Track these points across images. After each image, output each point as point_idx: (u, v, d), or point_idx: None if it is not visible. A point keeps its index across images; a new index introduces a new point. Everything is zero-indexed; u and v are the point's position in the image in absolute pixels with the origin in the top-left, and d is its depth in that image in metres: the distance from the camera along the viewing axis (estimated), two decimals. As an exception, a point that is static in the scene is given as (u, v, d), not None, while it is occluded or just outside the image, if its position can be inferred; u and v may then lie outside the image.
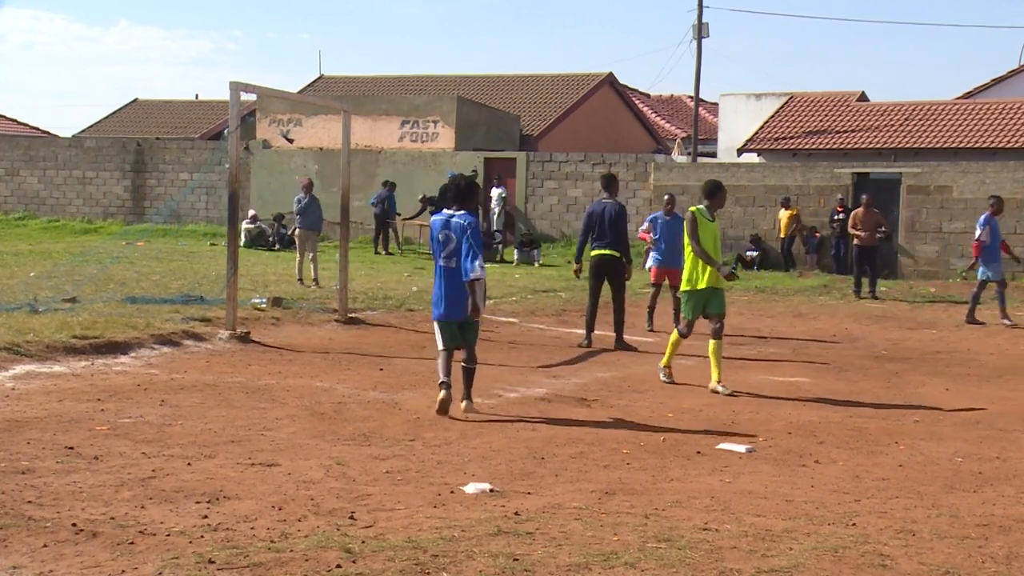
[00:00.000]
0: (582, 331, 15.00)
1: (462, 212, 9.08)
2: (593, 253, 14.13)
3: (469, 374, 9.29)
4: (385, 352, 12.66)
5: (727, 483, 7.21)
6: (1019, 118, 30.32)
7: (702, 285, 10.95)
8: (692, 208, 11.12)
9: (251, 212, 29.78)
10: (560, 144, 33.92)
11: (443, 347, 9.24)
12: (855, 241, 21.86)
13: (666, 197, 17.05)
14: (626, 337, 14.12)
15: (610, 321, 14.23)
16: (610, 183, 14.45)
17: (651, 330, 16.08)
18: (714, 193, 11.14)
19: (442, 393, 9.03)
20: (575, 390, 10.73)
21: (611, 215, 14.02)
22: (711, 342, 11.01)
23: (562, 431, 8.72)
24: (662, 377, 11.39)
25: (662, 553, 5.56)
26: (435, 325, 9.30)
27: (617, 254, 14.04)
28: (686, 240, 11.01)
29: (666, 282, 16.21)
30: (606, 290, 14.22)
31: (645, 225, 16.85)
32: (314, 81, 41.95)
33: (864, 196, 22.44)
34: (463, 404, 9.17)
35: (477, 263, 8.90)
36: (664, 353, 11.52)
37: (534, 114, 36.70)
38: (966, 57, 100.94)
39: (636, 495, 6.80)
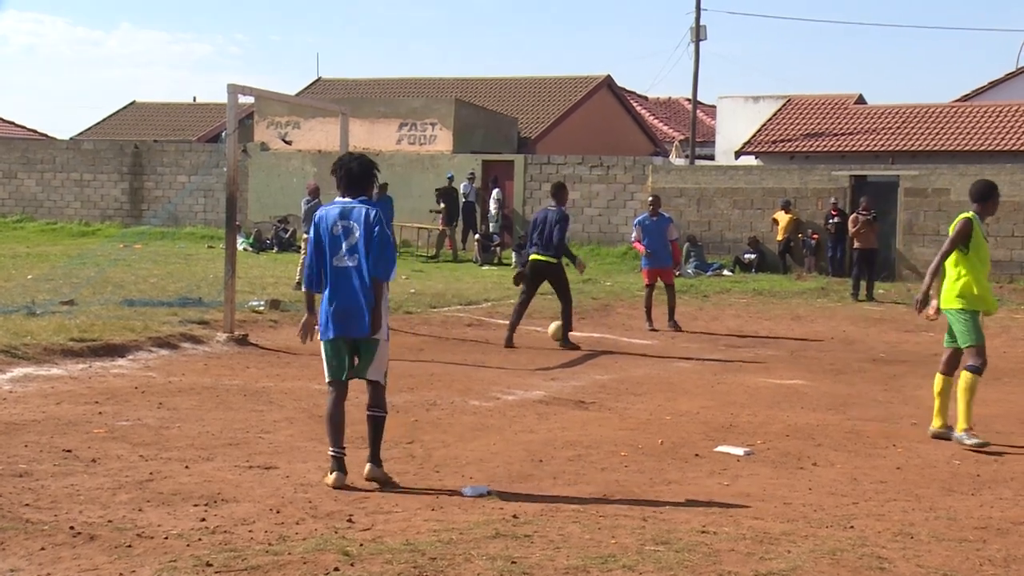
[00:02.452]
0: (582, 334, 15.04)
1: (362, 199, 7.13)
2: (531, 258, 14.41)
3: (376, 425, 7.02)
4: (383, 355, 12.64)
5: (725, 486, 7.21)
6: (1016, 121, 30.33)
7: (991, 302, 9.21)
8: (967, 214, 9.27)
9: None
10: (558, 147, 33.91)
11: (330, 378, 7.06)
12: (855, 244, 21.90)
13: (650, 199, 17.38)
14: (572, 335, 14.30)
15: (605, 323, 14.24)
16: (557, 191, 14.59)
17: (652, 329, 16.15)
18: (987, 196, 9.36)
19: (332, 476, 6.87)
20: (573, 392, 10.73)
21: (551, 222, 14.19)
22: (965, 375, 8.78)
23: (559, 433, 8.72)
24: (968, 441, 8.55)
25: (660, 556, 5.56)
26: (322, 349, 7.10)
27: (554, 260, 14.22)
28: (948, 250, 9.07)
29: (659, 282, 16.62)
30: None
31: (635, 232, 16.91)
32: (312, 83, 41.93)
33: (863, 199, 22.47)
34: (367, 467, 6.97)
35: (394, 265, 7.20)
36: (960, 414, 8.71)
37: (532, 117, 36.69)
38: (964, 60, 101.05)
39: (634, 498, 6.80)
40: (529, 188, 29.82)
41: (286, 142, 32.04)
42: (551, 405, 9.99)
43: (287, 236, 29.68)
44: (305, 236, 19.47)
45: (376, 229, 6.96)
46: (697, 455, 8.12)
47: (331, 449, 6.94)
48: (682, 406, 10.15)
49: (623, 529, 6.04)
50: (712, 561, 5.52)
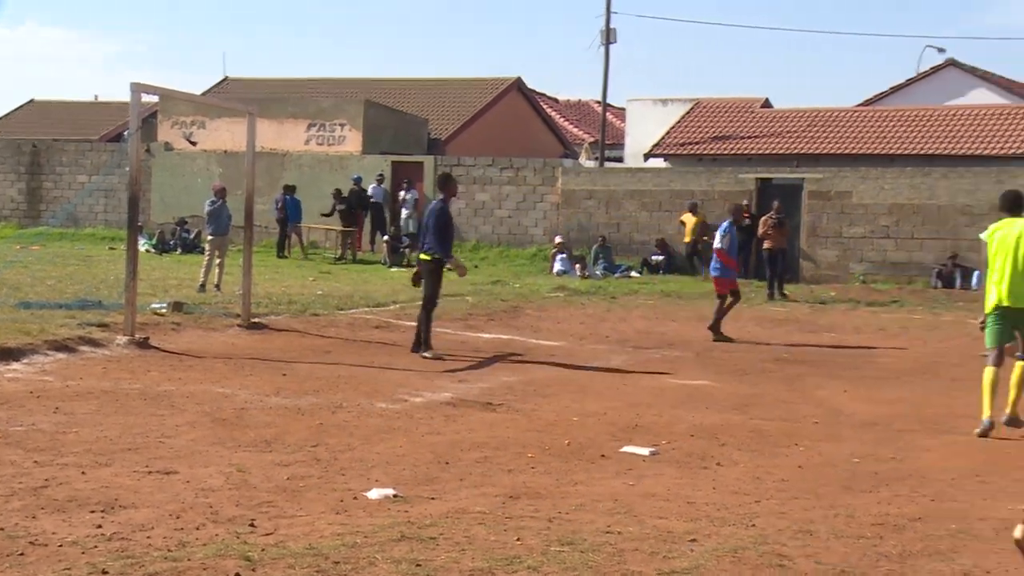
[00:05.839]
0: (489, 335, 15.03)
1: None
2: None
3: None
4: (289, 357, 12.51)
5: (630, 486, 7.25)
6: (917, 125, 31.00)
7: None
8: None
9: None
10: (469, 148, 33.90)
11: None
12: (765, 245, 22.25)
13: (744, 203, 16.50)
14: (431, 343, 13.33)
15: (514, 324, 14.25)
16: (441, 183, 13.84)
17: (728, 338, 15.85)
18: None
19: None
20: (481, 394, 10.71)
21: (430, 216, 13.46)
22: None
23: (467, 435, 8.69)
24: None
25: (565, 556, 5.57)
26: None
27: (431, 257, 13.35)
28: None
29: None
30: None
31: (726, 242, 15.97)
32: (219, 83, 41.35)
33: (775, 202, 22.85)
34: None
35: None
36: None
37: (443, 118, 36.61)
38: (867, 65, 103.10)
39: (540, 499, 6.81)
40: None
41: (191, 142, 31.56)
42: (459, 407, 9.96)
43: (191, 238, 29.23)
44: (209, 238, 19.20)
45: None
46: (603, 456, 8.16)
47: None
48: (589, 407, 10.19)
49: (529, 530, 6.04)
50: (616, 561, 5.54)
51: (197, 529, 5.87)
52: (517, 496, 6.85)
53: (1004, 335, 9.43)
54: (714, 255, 16.19)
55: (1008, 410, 9.35)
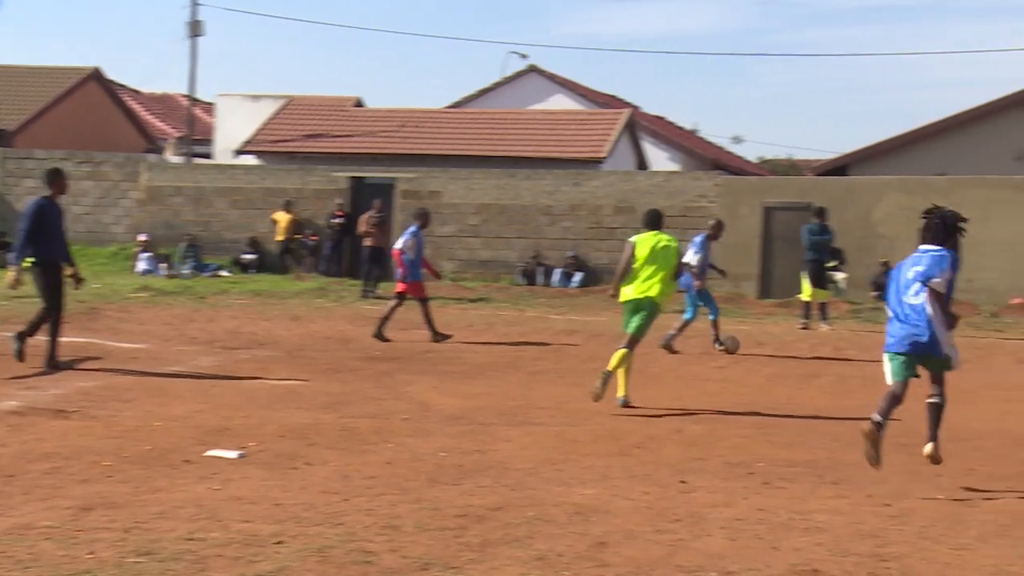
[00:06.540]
0: (64, 339, 14.08)
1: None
2: None
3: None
4: None
5: (216, 490, 7.00)
6: (501, 128, 32.29)
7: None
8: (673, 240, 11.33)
9: None
10: (41, 141, 31.77)
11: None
12: (366, 243, 22.43)
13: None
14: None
15: (92, 327, 13.46)
16: (47, 180, 12.41)
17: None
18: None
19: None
20: (52, 401, 10.01)
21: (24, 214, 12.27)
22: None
23: (35, 445, 8.08)
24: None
25: (142, 568, 5.31)
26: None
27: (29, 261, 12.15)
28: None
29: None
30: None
31: (406, 243, 16.14)
32: None
33: (375, 201, 23.09)
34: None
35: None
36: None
37: (9, 108, 34.06)
38: (455, 68, 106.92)
39: (117, 508, 6.43)
40: (7, 184, 27.71)
41: None
42: (26, 415, 9.24)
43: None
44: None
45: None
46: (187, 461, 7.84)
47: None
48: (174, 411, 9.78)
49: (102, 543, 5.69)
50: (198, 569, 5.34)
51: None
52: (91, 507, 6.42)
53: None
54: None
55: (620, 393, 10.86)
